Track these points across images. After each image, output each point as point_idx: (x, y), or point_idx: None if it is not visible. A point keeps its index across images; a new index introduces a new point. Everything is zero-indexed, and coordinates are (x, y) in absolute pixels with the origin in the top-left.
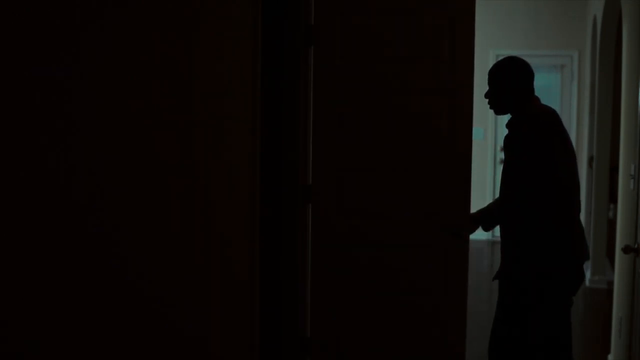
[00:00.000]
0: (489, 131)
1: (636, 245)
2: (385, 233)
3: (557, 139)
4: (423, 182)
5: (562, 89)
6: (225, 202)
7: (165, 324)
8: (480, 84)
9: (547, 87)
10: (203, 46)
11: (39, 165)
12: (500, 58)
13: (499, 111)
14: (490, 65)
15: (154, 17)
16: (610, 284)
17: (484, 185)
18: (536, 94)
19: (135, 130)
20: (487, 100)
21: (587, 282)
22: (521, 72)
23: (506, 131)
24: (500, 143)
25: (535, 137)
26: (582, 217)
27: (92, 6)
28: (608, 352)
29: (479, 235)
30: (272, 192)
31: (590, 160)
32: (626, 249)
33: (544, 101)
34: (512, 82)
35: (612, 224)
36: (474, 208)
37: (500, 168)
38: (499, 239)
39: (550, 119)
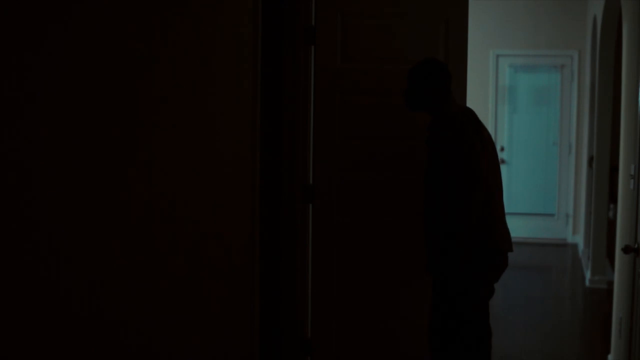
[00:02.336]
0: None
1: (636, 245)
2: (386, 233)
3: (474, 137)
4: (419, 180)
5: (562, 89)
6: (225, 202)
7: (165, 323)
8: (480, 85)
9: (547, 87)
10: (204, 45)
11: None
12: (498, 58)
13: (413, 108)
14: (491, 65)
15: (156, 16)
16: (610, 284)
17: None
18: (536, 94)
19: (132, 128)
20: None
21: (587, 282)
22: (438, 73)
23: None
24: (500, 143)
25: (454, 136)
26: (582, 217)
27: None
28: (608, 352)
29: None
30: (272, 192)
31: (590, 160)
32: (626, 249)
33: (544, 101)
34: (429, 82)
35: (612, 224)
36: None
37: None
38: None
39: (467, 119)
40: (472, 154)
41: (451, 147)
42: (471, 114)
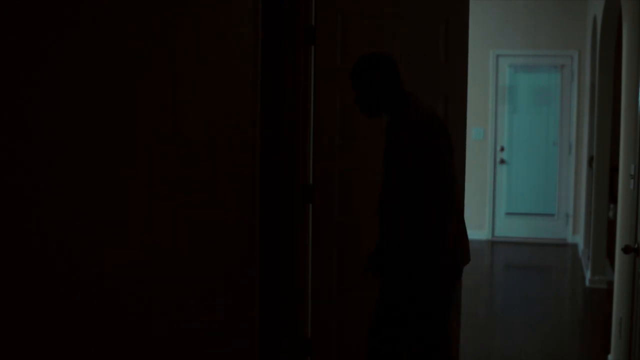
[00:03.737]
0: (489, 131)
1: (636, 245)
2: None
3: (437, 142)
4: None
5: (562, 89)
6: (224, 202)
7: (166, 323)
8: (480, 85)
9: (547, 87)
10: (204, 45)
11: None
12: (498, 58)
13: (373, 113)
14: (491, 65)
15: (156, 17)
16: (610, 284)
17: (484, 185)
18: (536, 94)
19: (131, 128)
20: (359, 105)
21: (587, 282)
22: (391, 66)
23: None
24: (500, 143)
25: (416, 142)
26: (582, 217)
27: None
28: (608, 352)
29: (479, 235)
30: (272, 192)
31: (590, 160)
32: (626, 249)
33: (544, 101)
34: (380, 78)
35: (612, 224)
36: (473, 207)
37: (500, 168)
38: (499, 239)
39: (435, 119)
40: (443, 160)
41: (421, 151)
42: (432, 117)
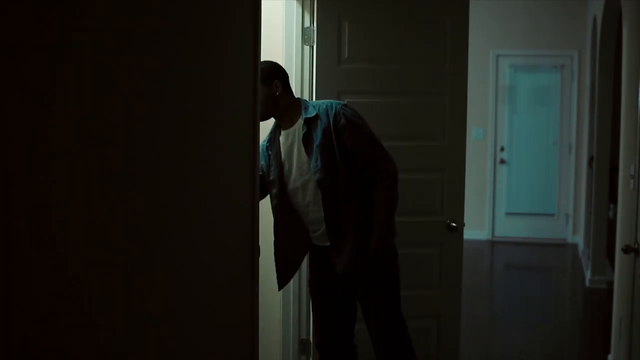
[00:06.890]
0: (489, 131)
1: (636, 245)
2: None
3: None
4: (419, 179)
5: (562, 89)
6: (223, 206)
7: (161, 323)
8: (480, 85)
9: (547, 87)
10: (202, 46)
11: None
12: (498, 58)
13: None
14: (491, 65)
15: (155, 16)
16: (610, 284)
17: (484, 185)
18: (536, 94)
19: (128, 128)
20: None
21: (587, 282)
22: (280, 72)
23: None
24: (501, 143)
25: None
26: (582, 217)
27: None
28: (608, 352)
29: (479, 235)
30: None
31: (590, 160)
32: (626, 249)
33: (544, 101)
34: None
35: (612, 224)
36: (473, 208)
37: (500, 168)
38: (498, 239)
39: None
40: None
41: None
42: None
